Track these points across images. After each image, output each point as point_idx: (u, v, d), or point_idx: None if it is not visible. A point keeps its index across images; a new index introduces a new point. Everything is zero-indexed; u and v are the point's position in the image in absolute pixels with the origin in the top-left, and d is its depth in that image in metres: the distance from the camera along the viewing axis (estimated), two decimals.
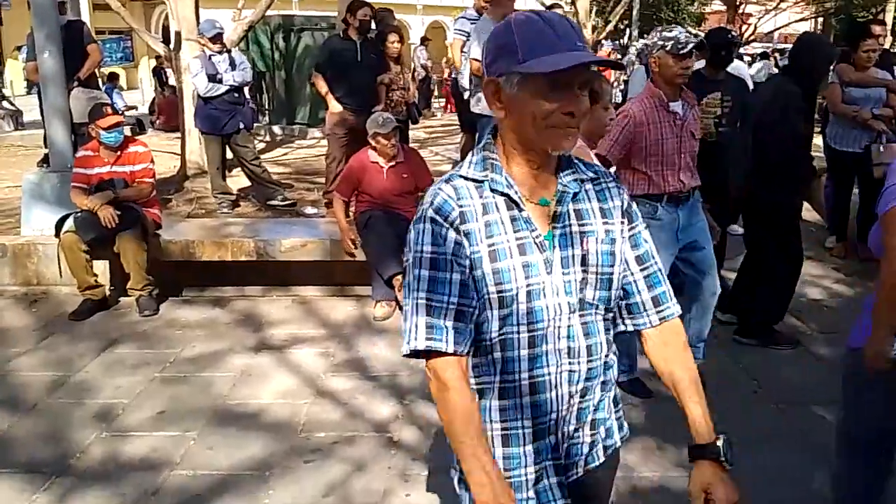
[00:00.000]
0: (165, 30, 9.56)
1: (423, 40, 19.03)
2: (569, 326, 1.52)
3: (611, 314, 1.60)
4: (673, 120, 3.65)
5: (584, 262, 1.52)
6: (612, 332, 1.62)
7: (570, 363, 1.53)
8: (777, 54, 20.64)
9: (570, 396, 1.55)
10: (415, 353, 1.50)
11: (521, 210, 1.49)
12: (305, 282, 5.51)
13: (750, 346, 4.49)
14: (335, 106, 6.58)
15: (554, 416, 1.55)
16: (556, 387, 1.53)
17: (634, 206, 1.63)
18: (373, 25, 7.02)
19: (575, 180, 1.55)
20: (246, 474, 3.26)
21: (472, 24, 7.17)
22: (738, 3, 19.83)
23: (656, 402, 3.84)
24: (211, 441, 3.53)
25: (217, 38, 6.87)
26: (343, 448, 3.46)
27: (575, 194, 1.54)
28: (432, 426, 3.62)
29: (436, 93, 21.57)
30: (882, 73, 5.73)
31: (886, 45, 6.46)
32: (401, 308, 5.05)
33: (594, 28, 12.88)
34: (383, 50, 6.94)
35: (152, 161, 5.41)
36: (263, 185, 7.26)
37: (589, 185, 1.57)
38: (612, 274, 1.56)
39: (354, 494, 3.12)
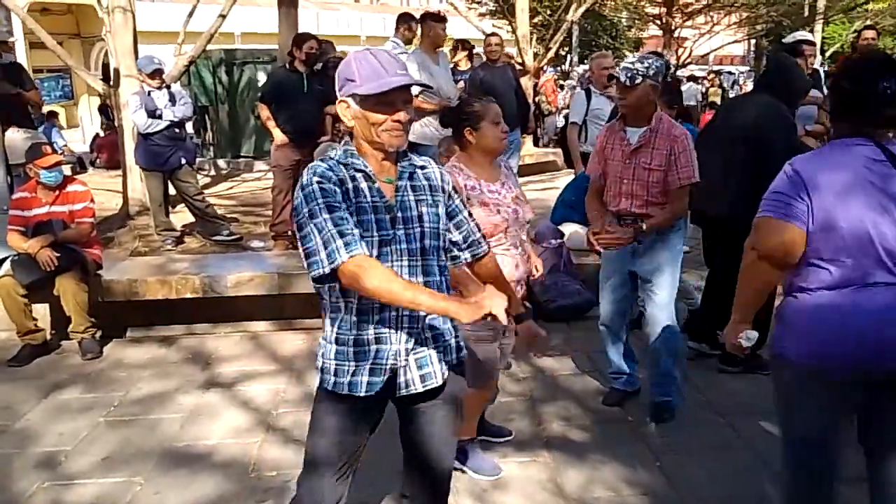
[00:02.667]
0: (105, 67, 9.41)
1: None
2: (410, 267, 2.13)
3: (443, 261, 2.26)
4: (622, 145, 3.71)
5: (420, 219, 2.16)
6: (447, 274, 2.27)
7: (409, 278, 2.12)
8: (713, 75, 21.28)
9: (409, 321, 2.16)
10: (333, 272, 2.01)
11: (373, 182, 2.12)
12: (254, 316, 5.43)
13: (733, 372, 4.38)
14: (280, 137, 6.54)
15: (393, 330, 2.16)
16: (396, 311, 2.13)
17: (451, 181, 2.31)
18: (319, 58, 7.03)
19: (409, 165, 2.21)
20: None
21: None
22: (673, 28, 20.40)
23: (603, 423, 3.88)
24: (159, 485, 3.44)
25: (156, 73, 6.78)
26: (294, 487, 3.39)
27: (411, 174, 2.19)
28: (388, 457, 3.57)
29: None
30: (812, 92, 5.92)
31: (815, 65, 6.67)
32: None
33: (535, 55, 13.08)
34: (330, 81, 6.94)
35: (92, 200, 5.30)
36: (208, 220, 7.16)
37: (419, 171, 2.22)
38: (438, 228, 2.21)
39: None
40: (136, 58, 7.63)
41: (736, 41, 22.68)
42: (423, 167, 2.24)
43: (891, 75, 2.25)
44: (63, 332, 5.14)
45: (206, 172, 11.52)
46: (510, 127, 4.02)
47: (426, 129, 6.46)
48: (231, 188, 10.44)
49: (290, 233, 6.09)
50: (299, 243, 2.09)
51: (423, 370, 2.21)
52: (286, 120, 6.55)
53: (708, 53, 21.70)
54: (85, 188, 5.31)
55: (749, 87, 13.84)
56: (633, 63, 3.64)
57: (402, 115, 2.07)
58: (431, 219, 2.18)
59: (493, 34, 8.09)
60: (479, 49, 8.86)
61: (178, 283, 5.20)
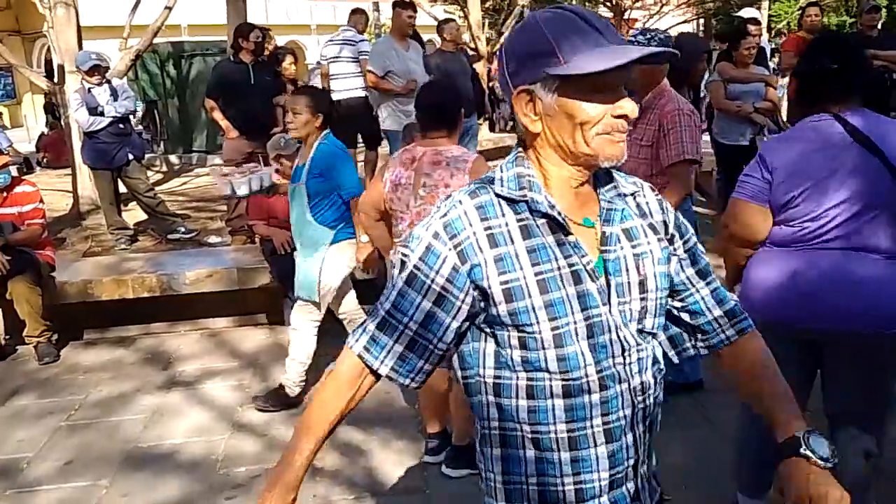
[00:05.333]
0: (49, 63, 9.18)
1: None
2: (639, 360, 1.34)
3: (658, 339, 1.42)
4: None
5: (642, 288, 1.34)
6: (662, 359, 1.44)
7: (643, 399, 1.35)
8: None
9: (644, 435, 1.38)
10: (353, 351, 1.39)
11: (567, 234, 1.29)
12: (214, 313, 5.36)
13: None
14: (231, 131, 6.45)
15: (632, 461, 1.36)
16: (633, 429, 1.35)
17: (681, 217, 1.47)
18: (266, 48, 6.95)
19: (618, 195, 1.36)
20: None
21: (347, 45, 7.34)
22: (623, 10, 20.55)
23: None
24: (125, 487, 3.38)
25: (95, 69, 6.60)
26: (264, 481, 3.36)
27: (622, 211, 1.35)
28: (356, 451, 3.58)
29: None
30: (759, 69, 6.05)
31: (762, 42, 6.81)
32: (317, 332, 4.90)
33: (488, 40, 13.10)
34: (278, 72, 6.87)
35: (41, 201, 5.18)
36: (160, 217, 7.04)
37: (631, 200, 1.38)
38: (663, 299, 1.40)
39: None
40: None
41: (686, 21, 22.91)
42: (633, 194, 1.40)
43: (836, 52, 2.37)
44: (18, 337, 5.01)
45: (157, 168, 11.34)
46: (467, 113, 4.02)
47: (396, 114, 6.47)
48: (184, 184, 10.29)
49: (246, 227, 6.02)
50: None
51: None
52: (235, 113, 6.47)
53: (656, 30, 21.92)
54: (34, 189, 5.18)
55: None
56: (636, 36, 3.62)
57: (628, 107, 1.25)
58: (660, 284, 1.37)
59: (450, 20, 8.07)
60: (432, 36, 8.85)
61: (133, 283, 5.10)
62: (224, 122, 6.48)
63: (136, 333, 5.28)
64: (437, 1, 20.02)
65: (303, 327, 4.01)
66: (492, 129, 13.44)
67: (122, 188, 7.02)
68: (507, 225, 1.28)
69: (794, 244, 2.37)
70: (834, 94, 2.36)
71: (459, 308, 1.29)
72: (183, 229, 7.00)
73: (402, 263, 1.32)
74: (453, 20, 8.15)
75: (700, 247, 1.47)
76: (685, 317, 1.46)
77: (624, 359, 1.31)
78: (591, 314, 1.28)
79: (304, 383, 4.04)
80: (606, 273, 1.30)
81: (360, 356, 1.37)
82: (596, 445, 1.32)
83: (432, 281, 1.29)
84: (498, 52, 1.27)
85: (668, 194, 3.59)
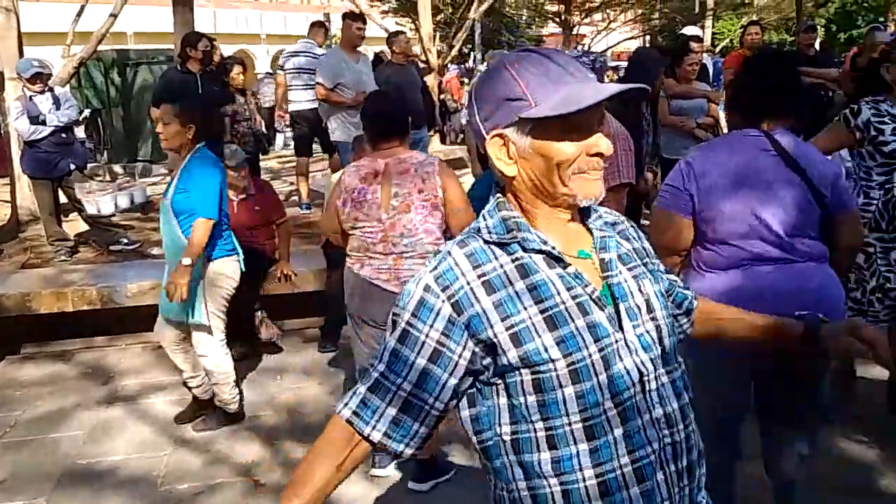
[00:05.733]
0: None
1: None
2: (660, 387, 1.28)
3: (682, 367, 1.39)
4: None
5: (649, 308, 1.32)
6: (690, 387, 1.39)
7: (671, 433, 1.28)
8: (611, 70, 21.89)
9: (679, 477, 1.29)
10: (343, 417, 1.31)
11: (566, 266, 1.26)
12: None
13: None
14: None
15: (654, 445, 1.27)
16: (662, 467, 1.26)
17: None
18: (214, 57, 6.88)
19: (606, 224, 1.36)
20: None
21: (306, 56, 7.36)
22: (572, 25, 20.88)
23: None
24: None
25: (36, 77, 6.44)
26: (207, 497, 3.32)
27: (614, 239, 1.36)
28: (299, 464, 3.54)
29: (288, 121, 21.29)
30: (702, 86, 6.20)
31: (705, 59, 6.99)
32: (262, 345, 4.87)
33: (439, 53, 13.15)
34: (226, 81, 6.80)
35: None
36: (102, 228, 6.89)
37: (614, 229, 1.39)
38: (671, 316, 1.39)
39: None
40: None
41: (632, 37, 23.38)
42: (614, 224, 1.40)
43: (775, 70, 2.45)
44: None
45: (100, 178, 11.09)
46: (417, 125, 4.04)
47: (346, 126, 6.47)
48: None
49: None
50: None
51: None
52: None
53: (606, 49, 22.29)
54: None
55: None
56: (578, 57, 3.71)
57: (603, 144, 1.25)
58: (661, 302, 1.36)
59: (400, 33, 8.09)
60: (383, 47, 8.86)
61: (73, 295, 4.97)
62: None
63: (77, 347, 5.14)
64: (389, 13, 20.06)
65: (208, 350, 3.82)
66: (443, 141, 13.51)
67: (64, 198, 6.85)
68: (501, 267, 1.25)
69: (730, 266, 2.39)
70: (768, 111, 2.42)
71: (457, 364, 1.23)
72: (125, 240, 6.85)
73: (394, 323, 1.27)
74: (403, 33, 8.17)
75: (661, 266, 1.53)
76: (677, 311, 1.55)
77: (643, 385, 1.26)
78: (604, 344, 1.23)
79: (238, 397, 3.98)
80: (614, 299, 1.28)
81: (349, 421, 1.29)
82: (628, 488, 1.24)
83: (427, 336, 1.23)
84: (467, 98, 1.28)
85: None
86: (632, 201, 4.51)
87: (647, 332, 1.29)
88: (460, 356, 1.23)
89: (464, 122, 7.93)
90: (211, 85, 6.54)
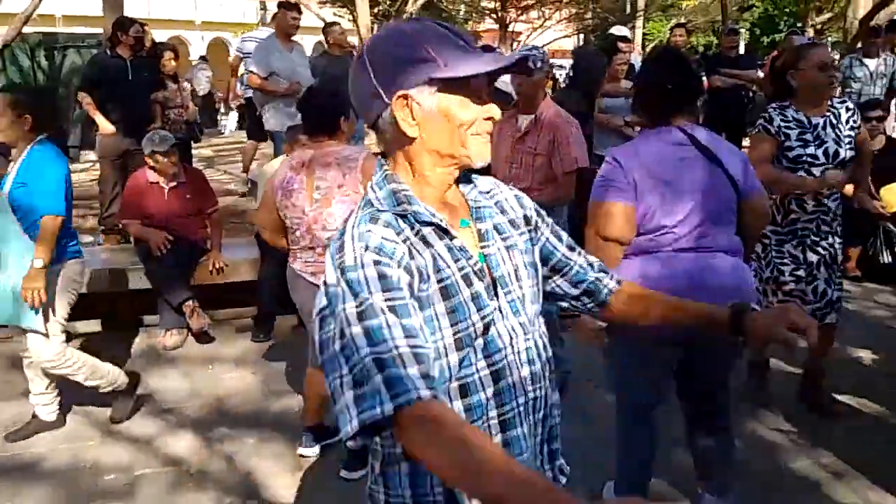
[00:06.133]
0: None
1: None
2: (526, 349, 1.38)
3: (543, 326, 1.47)
4: (512, 131, 3.88)
5: (517, 276, 1.40)
6: (549, 347, 1.47)
7: (533, 390, 1.39)
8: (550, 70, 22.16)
9: (536, 426, 1.41)
10: (374, 424, 1.14)
11: (452, 238, 1.33)
12: (84, 316, 5.13)
13: None
14: (106, 126, 6.21)
15: (525, 454, 1.37)
16: (524, 420, 1.37)
17: (535, 205, 1.54)
18: (145, 43, 6.75)
19: (480, 193, 1.43)
20: None
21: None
22: (507, 22, 21.08)
23: None
24: None
25: None
26: (137, 488, 3.29)
27: (489, 209, 1.42)
28: (233, 454, 3.55)
29: (222, 109, 20.89)
30: (628, 84, 6.37)
31: (633, 59, 7.17)
32: (193, 335, 4.83)
33: None
34: (158, 67, 6.68)
35: None
36: None
37: (491, 198, 1.45)
38: (538, 284, 1.46)
39: None
40: None
41: (566, 36, 23.76)
42: (490, 192, 1.47)
43: (678, 71, 2.58)
44: None
45: None
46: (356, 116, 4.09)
47: (279, 115, 6.42)
48: None
49: (120, 226, 5.82)
50: (322, 357, 1.23)
51: None
52: (112, 108, 6.23)
53: (542, 47, 22.60)
54: None
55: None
56: (531, 50, 3.80)
57: (496, 110, 1.33)
58: (529, 272, 1.44)
59: (335, 24, 8.06)
60: (320, 38, 8.82)
61: None
62: (98, 118, 6.23)
63: None
64: (327, 3, 19.89)
65: (50, 357, 3.62)
66: None
67: None
68: (412, 238, 1.30)
69: (651, 251, 2.52)
70: (676, 109, 2.55)
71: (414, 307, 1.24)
72: None
73: (364, 310, 1.19)
74: (338, 24, 8.14)
75: (555, 235, 1.55)
76: (573, 290, 1.57)
77: (512, 348, 1.35)
78: (485, 313, 1.31)
79: (115, 372, 3.82)
80: (489, 267, 1.36)
81: (400, 406, 1.13)
82: (492, 436, 1.33)
83: (406, 300, 1.22)
84: (355, 63, 1.34)
85: (548, 192, 3.81)
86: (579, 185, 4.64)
87: (517, 298, 1.38)
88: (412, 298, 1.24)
89: None
90: (141, 71, 6.42)
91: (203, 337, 4.89)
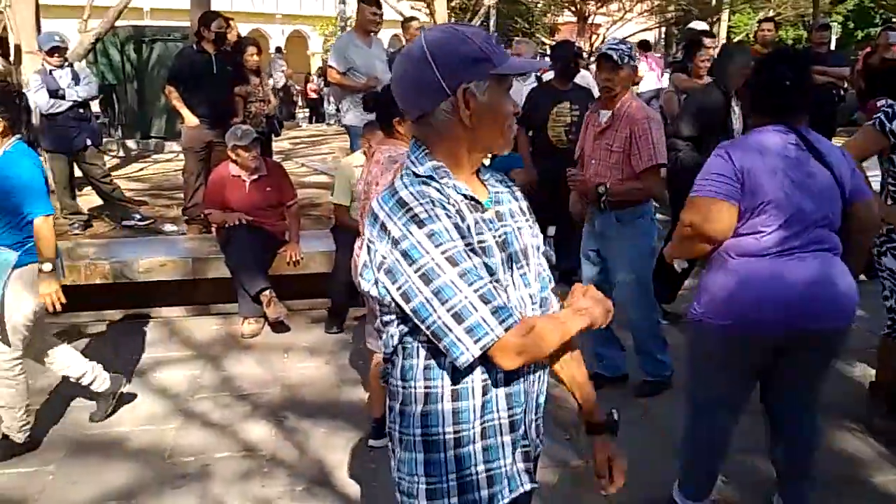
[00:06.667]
0: (4, 42, 9.06)
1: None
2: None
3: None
4: (594, 126, 3.87)
5: (525, 255, 1.59)
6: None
7: None
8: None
9: (532, 384, 1.61)
10: (484, 349, 1.41)
11: (484, 211, 1.53)
12: (167, 302, 5.34)
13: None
14: (191, 119, 6.42)
15: (525, 405, 1.59)
16: (527, 375, 1.58)
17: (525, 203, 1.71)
18: (228, 38, 6.92)
19: (496, 181, 1.63)
20: None
21: None
22: (587, 15, 20.80)
23: None
24: (71, 474, 3.38)
25: (55, 51, 6.52)
26: (214, 470, 3.39)
27: (504, 195, 1.62)
28: (305, 442, 3.63)
29: (300, 103, 21.30)
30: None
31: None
32: (270, 324, 4.94)
33: None
34: (241, 62, 6.85)
35: None
36: (116, 203, 6.98)
37: (504, 186, 1.65)
38: (542, 265, 1.65)
39: None
40: (39, 32, 7.34)
41: (648, 28, 23.25)
42: (502, 181, 1.67)
43: (790, 68, 2.50)
44: None
45: (114, 153, 11.18)
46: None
47: (358, 110, 6.50)
48: (141, 170, 10.17)
49: (202, 216, 6.01)
50: (410, 305, 1.43)
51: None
52: (196, 102, 6.43)
53: (626, 40, 22.25)
54: None
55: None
56: (618, 45, 3.75)
57: (516, 107, 1.57)
58: (535, 252, 1.64)
59: (413, 18, 8.11)
60: (397, 31, 8.90)
61: (86, 269, 5.06)
62: (184, 110, 6.45)
63: (88, 320, 5.23)
64: None
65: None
66: None
67: (78, 173, 6.93)
68: (456, 201, 1.48)
69: (759, 253, 2.46)
70: (788, 109, 2.50)
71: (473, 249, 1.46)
72: (138, 216, 6.95)
73: (444, 259, 1.39)
74: (416, 18, 8.19)
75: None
76: None
77: (521, 315, 1.49)
78: (504, 278, 1.51)
79: (28, 426, 3.59)
80: (505, 244, 1.54)
81: (509, 329, 1.42)
82: (498, 387, 1.54)
83: (465, 248, 1.42)
84: (418, 57, 1.47)
85: (630, 185, 3.75)
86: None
87: (526, 273, 1.58)
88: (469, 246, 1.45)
89: None
90: (225, 65, 6.59)
91: (279, 326, 5.01)
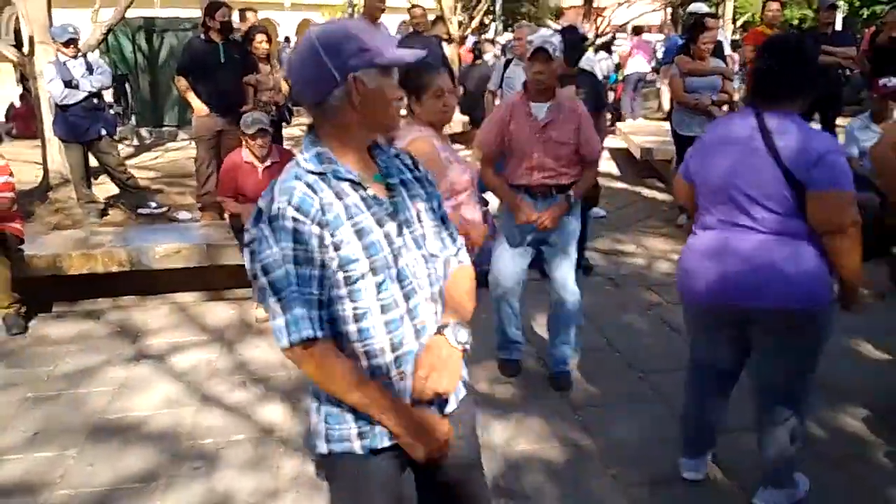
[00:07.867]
0: (18, 33, 9.11)
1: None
2: (428, 275, 1.78)
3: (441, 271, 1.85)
4: (528, 120, 3.76)
5: (419, 219, 1.79)
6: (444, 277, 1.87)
7: (434, 307, 1.80)
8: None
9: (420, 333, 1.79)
10: (292, 345, 1.64)
11: (366, 189, 1.71)
12: (182, 288, 5.44)
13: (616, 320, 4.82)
14: (200, 108, 6.49)
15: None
16: (427, 331, 1.78)
17: (428, 173, 1.91)
18: (235, 25, 6.96)
19: (387, 156, 1.82)
20: (131, 487, 3.24)
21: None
22: None
23: (525, 380, 4.09)
24: (91, 457, 3.48)
25: (70, 42, 6.61)
26: (231, 452, 3.49)
27: (395, 167, 1.81)
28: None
29: None
30: (716, 62, 6.22)
31: (722, 37, 6.99)
32: None
33: (460, 24, 13.13)
34: (250, 50, 6.90)
35: (11, 174, 5.17)
36: (131, 191, 7.07)
37: (397, 160, 1.84)
38: (439, 228, 1.86)
39: (245, 496, 3.17)
40: (51, 23, 7.41)
41: (654, 10, 23.07)
42: (397, 155, 1.86)
43: (777, 53, 2.54)
44: None
45: (128, 143, 11.29)
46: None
47: None
48: (155, 158, 10.26)
49: (216, 201, 6.09)
50: (260, 282, 1.67)
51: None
52: (205, 91, 6.50)
53: (627, 23, 22.05)
54: (3, 162, 5.16)
55: (660, 55, 14.27)
56: (550, 37, 3.75)
57: (400, 91, 1.77)
58: (430, 217, 1.83)
59: (416, 5, 8.14)
60: (405, 17, 8.93)
61: (103, 257, 5.16)
62: (193, 100, 6.52)
63: (105, 307, 5.33)
64: None
65: None
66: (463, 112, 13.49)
67: (93, 162, 7.02)
68: (328, 194, 1.65)
69: (699, 229, 2.72)
70: (769, 94, 2.56)
71: (320, 265, 1.65)
72: (153, 204, 7.05)
73: (282, 257, 1.61)
74: (420, 6, 8.21)
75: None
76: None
77: (416, 274, 1.74)
78: (394, 247, 1.71)
79: None
80: (396, 212, 1.74)
81: (307, 339, 1.65)
82: (413, 342, 1.75)
83: (311, 253, 1.63)
84: (306, 48, 1.66)
85: (587, 182, 3.93)
86: None
87: (419, 236, 1.78)
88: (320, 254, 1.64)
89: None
90: (233, 54, 6.64)
91: None
